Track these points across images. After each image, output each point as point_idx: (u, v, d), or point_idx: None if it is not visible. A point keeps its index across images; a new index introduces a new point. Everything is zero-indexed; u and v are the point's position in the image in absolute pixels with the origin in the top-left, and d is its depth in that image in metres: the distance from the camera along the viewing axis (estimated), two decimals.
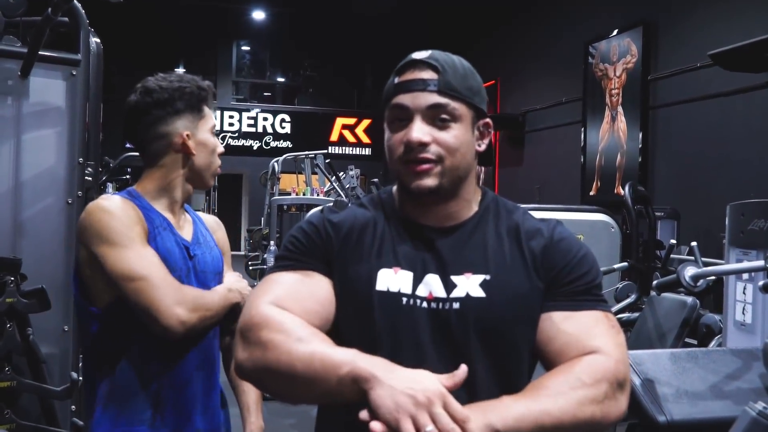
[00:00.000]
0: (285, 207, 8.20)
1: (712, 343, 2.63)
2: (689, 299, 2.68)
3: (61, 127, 2.82)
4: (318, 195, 8.72)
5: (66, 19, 2.91)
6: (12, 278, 2.57)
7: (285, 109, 17.20)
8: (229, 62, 17.16)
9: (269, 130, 16.91)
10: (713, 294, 3.50)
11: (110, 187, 11.04)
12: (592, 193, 9.47)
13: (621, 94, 8.94)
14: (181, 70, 17.17)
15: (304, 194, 9.04)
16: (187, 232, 1.81)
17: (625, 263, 3.20)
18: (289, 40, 16.57)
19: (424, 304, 1.27)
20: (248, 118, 16.86)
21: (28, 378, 2.62)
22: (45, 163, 2.80)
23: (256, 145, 16.80)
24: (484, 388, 1.26)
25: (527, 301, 1.30)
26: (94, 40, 3.20)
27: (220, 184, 12.82)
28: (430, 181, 1.28)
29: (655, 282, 2.26)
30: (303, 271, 1.31)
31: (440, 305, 1.27)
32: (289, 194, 9.51)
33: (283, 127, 16.96)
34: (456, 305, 1.26)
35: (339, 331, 1.30)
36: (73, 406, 2.80)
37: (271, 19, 16.45)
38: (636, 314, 3.00)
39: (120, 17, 14.28)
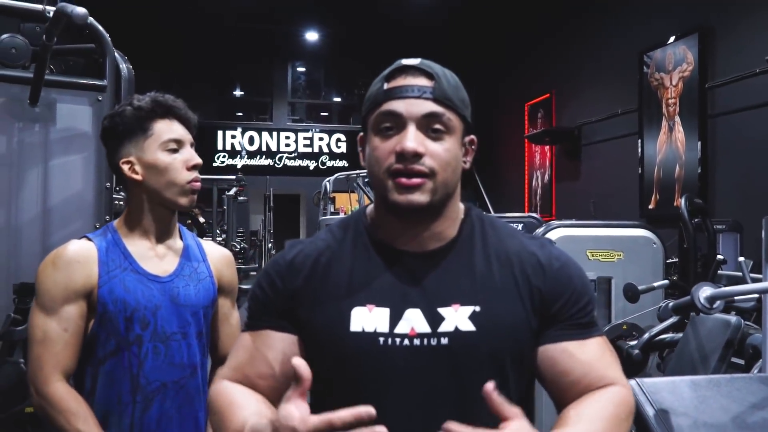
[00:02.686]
0: None
1: (757, 365, 2.47)
2: (733, 318, 2.53)
3: (88, 152, 2.84)
4: None
5: (92, 45, 2.95)
6: None
7: (340, 128, 17.29)
8: (285, 83, 17.35)
9: (325, 149, 17.01)
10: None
11: None
12: (650, 207, 9.20)
13: (678, 104, 8.67)
14: (238, 93, 17.49)
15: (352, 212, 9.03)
16: (168, 263, 1.77)
17: (666, 281, 3.06)
18: (342, 60, 16.68)
19: (405, 342, 1.18)
20: (304, 138, 17.00)
21: None
22: (73, 189, 2.83)
23: (312, 165, 16.91)
24: (475, 422, 1.18)
25: (519, 333, 1.22)
26: (125, 66, 3.24)
27: (277, 205, 12.90)
28: (420, 197, 1.19)
29: (670, 303, 2.13)
30: (259, 331, 1.27)
31: (425, 341, 1.19)
32: (339, 214, 9.52)
33: (338, 147, 17.04)
34: (444, 340, 1.18)
35: (319, 377, 1.20)
36: None
37: (324, 39, 16.60)
38: (680, 334, 2.85)
39: (177, 43, 14.62)
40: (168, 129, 1.73)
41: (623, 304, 3.04)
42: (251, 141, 16.61)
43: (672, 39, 8.74)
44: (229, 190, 9.24)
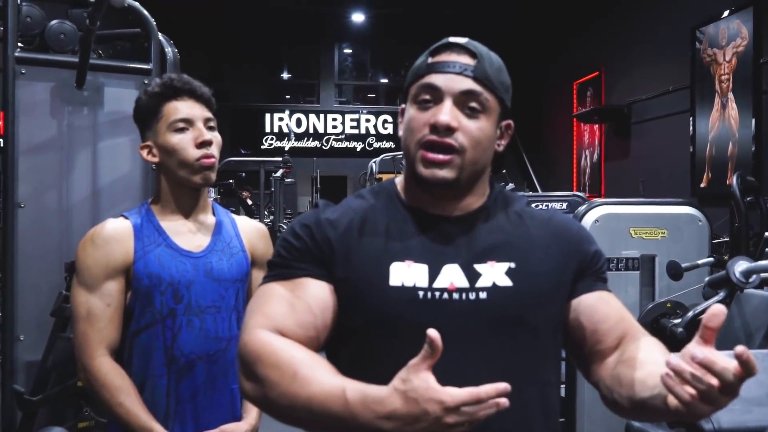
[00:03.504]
0: None
1: None
2: None
3: (135, 134, 2.90)
4: None
5: (138, 29, 3.02)
6: None
7: (387, 109, 17.29)
8: (331, 65, 17.41)
9: (372, 131, 17.05)
10: None
11: (212, 191, 11.43)
12: (702, 185, 9.01)
13: (731, 80, 8.46)
14: (286, 76, 17.57)
15: None
16: (201, 239, 1.81)
17: (711, 259, 3.01)
18: (389, 41, 16.65)
19: (445, 295, 1.21)
20: (351, 120, 17.05)
21: None
22: (121, 170, 2.91)
23: (359, 146, 16.97)
24: (515, 381, 1.15)
25: (553, 288, 1.27)
26: (170, 50, 3.30)
27: (324, 186, 13.00)
28: (447, 173, 1.22)
29: (706, 279, 2.10)
30: (295, 279, 1.23)
31: (464, 295, 1.21)
32: None
33: (385, 128, 17.05)
34: (483, 295, 1.21)
35: (353, 332, 1.24)
36: None
37: (370, 20, 16.58)
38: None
39: (223, 27, 14.77)
40: (175, 109, 1.76)
41: (667, 282, 3.00)
42: (299, 123, 16.73)
43: (726, 13, 8.51)
44: (275, 172, 9.34)
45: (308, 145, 16.65)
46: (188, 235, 1.80)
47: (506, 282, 1.22)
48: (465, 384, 1.13)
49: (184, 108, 1.75)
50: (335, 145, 16.87)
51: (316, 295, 1.22)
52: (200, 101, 1.78)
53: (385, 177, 10.90)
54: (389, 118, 17.10)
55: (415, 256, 1.23)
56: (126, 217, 1.81)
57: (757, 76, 7.96)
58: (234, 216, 1.95)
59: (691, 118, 9.24)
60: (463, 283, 1.22)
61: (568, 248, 1.30)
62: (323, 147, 16.73)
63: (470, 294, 1.21)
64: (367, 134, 17.04)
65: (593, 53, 12.06)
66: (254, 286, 1.90)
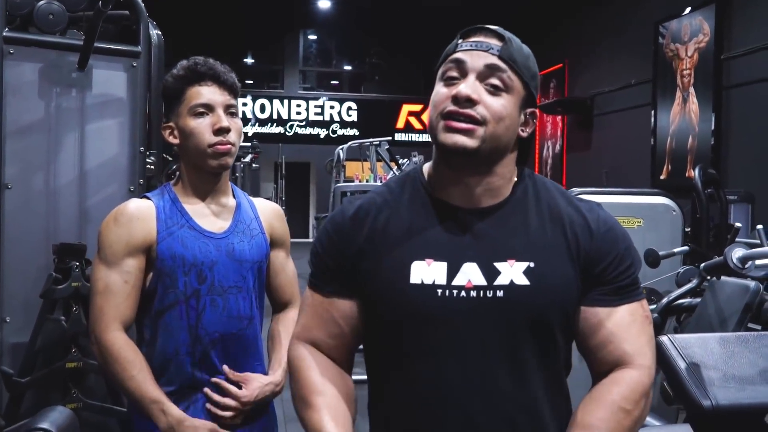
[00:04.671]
0: (348, 194, 8.27)
1: None
2: (752, 284, 2.59)
3: (123, 117, 2.91)
4: (381, 182, 8.76)
5: (126, 12, 3.00)
6: (77, 263, 2.67)
7: (351, 96, 17.28)
8: (296, 51, 17.33)
9: (336, 118, 17.03)
10: None
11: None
12: (662, 177, 9.23)
13: (693, 75, 8.67)
14: (249, 61, 17.44)
15: (367, 181, 9.09)
16: (223, 221, 1.84)
17: (686, 247, 3.12)
18: (354, 28, 16.62)
19: (462, 293, 1.24)
20: (315, 106, 17.01)
21: (94, 359, 2.72)
22: (108, 153, 2.89)
23: (323, 133, 16.94)
24: (527, 378, 1.28)
25: (569, 289, 1.28)
26: (155, 32, 3.29)
27: (288, 173, 12.97)
28: (468, 141, 1.23)
29: (702, 264, 2.19)
30: (326, 295, 1.35)
31: (481, 293, 1.24)
32: (353, 182, 9.58)
33: (349, 115, 17.05)
34: (500, 293, 1.24)
35: (379, 329, 1.32)
36: None
37: (336, 7, 16.53)
38: (698, 299, 2.92)
39: (188, 10, 14.58)
40: (197, 94, 1.77)
41: (642, 270, 3.10)
42: (262, 109, 16.63)
43: (688, 10, 8.71)
44: (243, 157, 9.29)
45: (272, 131, 16.57)
46: (210, 217, 1.82)
47: (524, 281, 1.24)
48: (479, 379, 1.25)
49: (206, 93, 1.76)
50: (299, 132, 16.81)
51: (343, 311, 1.34)
52: (223, 87, 1.79)
53: (351, 164, 10.93)
54: (353, 105, 17.09)
55: (436, 254, 1.27)
56: (149, 198, 1.82)
57: (718, 72, 8.18)
58: (252, 198, 1.97)
59: (652, 112, 9.45)
60: (481, 281, 1.25)
61: (587, 252, 1.29)
62: (287, 133, 16.66)
63: (488, 292, 1.24)
64: (331, 121, 17.02)
65: (557, 45, 12.22)
66: (276, 264, 1.94)
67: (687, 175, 8.61)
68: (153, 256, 1.76)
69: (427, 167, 1.38)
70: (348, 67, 18.25)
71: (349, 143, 9.99)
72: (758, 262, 2.50)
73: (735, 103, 8.04)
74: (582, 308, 1.29)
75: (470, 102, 1.23)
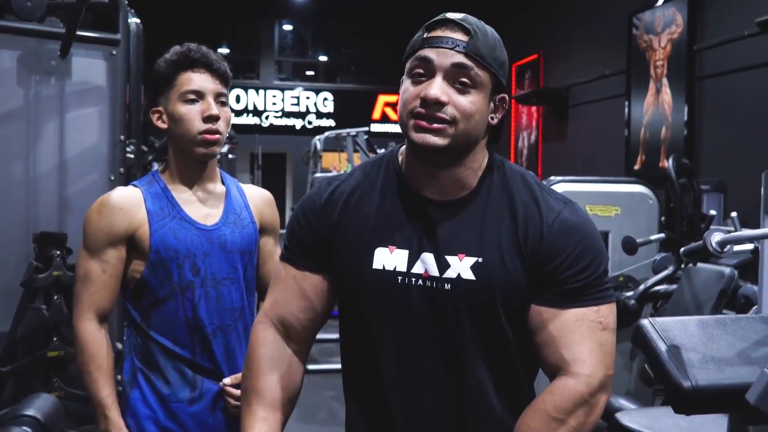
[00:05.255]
0: None
1: (750, 313, 2.60)
2: (727, 270, 2.65)
3: (103, 105, 2.90)
4: None
5: (105, 0, 2.99)
6: (58, 252, 2.66)
7: (327, 87, 17.22)
8: (272, 42, 17.23)
9: (312, 108, 16.97)
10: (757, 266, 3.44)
11: (156, 166, 11.24)
12: (636, 167, 9.33)
13: (666, 66, 8.76)
14: (224, 51, 17.30)
15: (344, 172, 9.09)
16: (211, 208, 1.84)
17: (662, 235, 3.17)
18: (330, 19, 16.56)
19: (420, 282, 1.31)
20: (291, 97, 16.93)
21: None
22: (88, 141, 2.89)
23: (299, 124, 16.88)
24: (473, 369, 1.32)
25: (516, 286, 1.29)
26: (134, 21, 3.28)
27: (264, 163, 12.90)
28: (438, 140, 1.25)
29: (682, 249, 2.24)
30: (299, 270, 1.39)
31: (434, 284, 1.30)
32: (331, 172, 9.57)
33: (325, 106, 17.00)
34: (447, 286, 1.30)
35: (347, 309, 1.40)
36: (119, 376, 2.90)
37: None
38: (674, 286, 2.97)
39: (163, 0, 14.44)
40: (188, 80, 1.77)
41: (620, 257, 3.16)
42: (237, 99, 16.53)
43: (661, 1, 8.79)
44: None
45: (247, 122, 16.48)
46: (198, 204, 1.81)
47: (470, 276, 1.28)
48: (429, 366, 1.32)
49: (197, 80, 1.76)
50: (274, 122, 16.73)
51: (314, 286, 1.39)
52: (215, 75, 1.78)
53: (327, 155, 10.91)
54: (330, 96, 17.04)
55: (399, 241, 1.33)
56: (136, 186, 1.82)
57: (691, 63, 8.27)
58: (241, 184, 1.97)
59: (626, 102, 9.53)
60: (435, 272, 1.30)
61: (534, 252, 1.29)
62: (262, 124, 16.58)
63: (438, 283, 1.30)
64: (307, 112, 16.95)
65: (532, 36, 12.28)
66: (264, 252, 1.94)
67: (660, 165, 8.72)
68: (144, 247, 1.76)
69: (403, 151, 1.40)
70: (324, 58, 18.18)
71: (326, 133, 9.96)
72: (736, 248, 2.56)
73: (708, 94, 8.14)
74: (532, 306, 1.31)
75: (439, 104, 1.25)
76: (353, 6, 15.17)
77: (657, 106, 8.94)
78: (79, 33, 2.72)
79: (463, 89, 1.26)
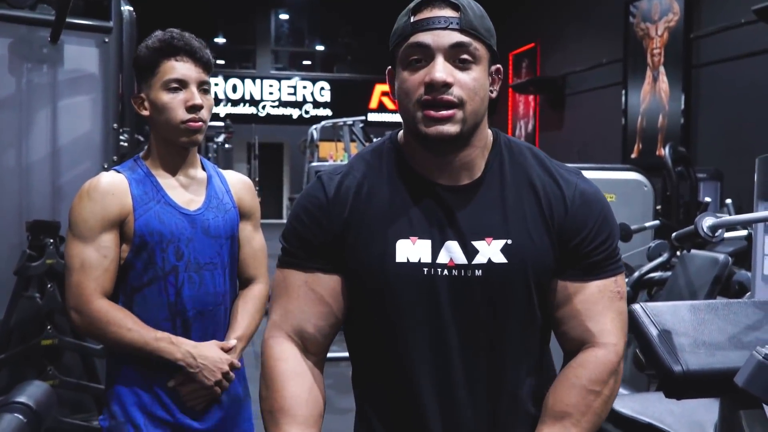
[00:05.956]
0: None
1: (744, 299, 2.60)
2: (721, 256, 2.65)
3: (96, 93, 2.88)
4: None
5: None
6: (51, 240, 2.65)
7: (324, 76, 17.20)
8: (268, 31, 17.19)
9: (309, 98, 16.94)
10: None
11: None
12: (633, 156, 9.34)
13: (663, 54, 8.75)
14: (221, 41, 17.24)
15: (341, 161, 9.08)
16: (194, 194, 1.83)
17: (657, 222, 3.17)
18: (326, 8, 16.51)
19: (446, 272, 1.24)
20: (288, 86, 16.91)
21: (69, 336, 2.72)
22: (81, 129, 2.87)
23: (296, 113, 16.86)
24: (508, 359, 1.28)
25: (546, 265, 1.27)
26: (127, 8, 3.25)
27: (262, 153, 12.88)
28: (451, 128, 1.20)
29: (673, 234, 2.24)
30: (308, 273, 1.29)
31: (462, 272, 1.24)
32: (327, 162, 9.56)
33: (322, 95, 16.98)
34: (478, 272, 1.23)
35: (364, 309, 1.29)
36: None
37: None
38: (668, 273, 2.97)
39: None
40: (171, 68, 1.76)
41: None
42: (234, 89, 16.50)
43: None
44: (216, 137, 9.22)
45: (244, 111, 16.46)
46: (180, 189, 1.81)
47: (501, 259, 1.23)
48: (460, 359, 1.25)
49: (180, 68, 1.75)
50: (271, 112, 16.71)
51: (329, 287, 1.29)
52: (198, 63, 1.77)
53: (324, 145, 10.90)
54: (326, 85, 17.02)
55: (419, 231, 1.25)
56: (119, 171, 1.81)
57: (688, 51, 8.27)
58: (222, 171, 1.96)
59: (623, 91, 9.53)
60: (462, 260, 1.24)
61: (561, 226, 1.26)
62: (259, 114, 16.55)
63: (467, 271, 1.23)
64: (304, 101, 16.93)
65: (529, 25, 12.26)
66: (243, 236, 1.93)
67: (657, 153, 8.72)
68: (129, 231, 1.75)
69: (400, 137, 1.34)
70: (320, 47, 18.15)
71: (323, 123, 9.96)
72: (727, 235, 2.55)
73: (704, 82, 8.14)
74: (556, 281, 1.29)
75: (446, 86, 1.19)
76: None
77: (654, 94, 8.93)
78: (70, 20, 2.69)
79: (464, 66, 1.21)
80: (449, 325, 1.25)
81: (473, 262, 1.23)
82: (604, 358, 1.26)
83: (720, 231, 1.77)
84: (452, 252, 1.24)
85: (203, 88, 1.79)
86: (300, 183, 11.65)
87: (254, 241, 1.96)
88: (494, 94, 1.29)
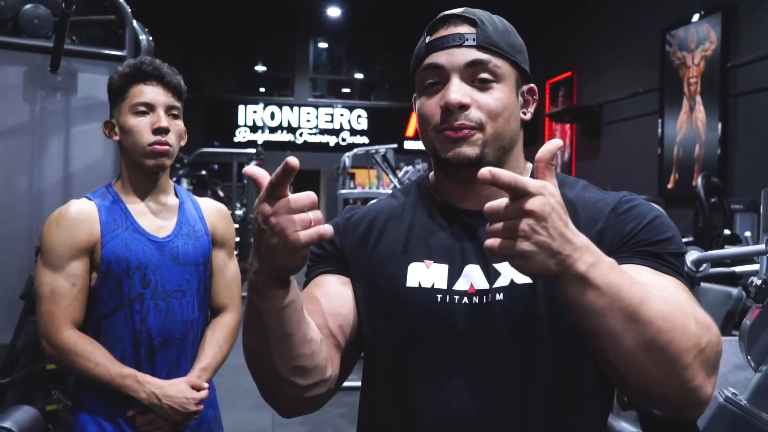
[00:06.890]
0: (351, 201, 8.27)
1: None
2: (734, 290, 2.56)
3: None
4: (384, 189, 8.74)
5: (113, 16, 3.03)
6: None
7: (361, 104, 17.31)
8: (306, 59, 17.39)
9: (346, 125, 17.06)
10: None
11: (184, 182, 11.38)
12: (669, 186, 9.17)
13: (699, 83, 8.61)
14: (260, 69, 17.48)
15: (369, 188, 9.09)
16: (164, 220, 1.84)
17: None
18: (364, 36, 16.67)
19: (465, 300, 1.11)
20: (325, 114, 17.04)
21: None
22: (93, 156, 2.92)
23: (332, 141, 16.97)
24: (536, 393, 1.09)
25: None
26: (144, 37, 3.31)
27: (298, 180, 12.96)
28: (470, 150, 1.10)
29: None
30: (313, 279, 1.20)
31: (483, 298, 1.11)
32: (356, 189, 9.59)
33: (359, 123, 17.08)
34: (499, 296, 1.10)
35: (369, 335, 1.18)
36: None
37: (345, 15, 16.59)
38: None
39: (198, 19, 14.68)
40: (139, 92, 1.78)
41: None
42: (272, 116, 16.69)
43: (695, 17, 8.67)
44: (248, 164, 9.32)
45: (282, 139, 16.63)
46: (150, 216, 1.82)
47: (525, 279, 1.09)
48: (484, 390, 1.09)
49: (148, 92, 1.77)
50: (309, 139, 16.85)
51: (335, 283, 1.19)
52: (167, 88, 1.79)
53: (356, 172, 10.93)
54: (363, 113, 17.12)
55: (436, 255, 1.15)
56: (90, 199, 1.82)
57: (725, 80, 8.12)
58: (196, 198, 1.97)
59: (659, 120, 9.39)
60: (484, 284, 1.12)
61: (604, 229, 1.11)
62: (296, 141, 16.71)
63: (487, 296, 1.11)
64: (341, 129, 17.05)
65: (566, 53, 12.20)
66: (215, 265, 1.92)
67: (694, 183, 8.55)
68: (97, 259, 1.76)
69: (431, 174, 1.26)
70: (359, 75, 18.29)
71: (355, 150, 9.99)
72: (742, 268, 2.47)
73: (742, 112, 7.98)
74: None
75: (462, 108, 1.09)
76: (386, 23, 15.24)
77: (690, 123, 8.79)
78: (84, 49, 2.77)
79: (484, 86, 1.11)
80: (467, 357, 1.11)
81: (494, 286, 1.11)
82: (711, 323, 0.96)
83: (704, 266, 1.71)
84: (472, 277, 1.12)
85: (172, 113, 1.80)
86: (335, 210, 11.68)
87: (227, 269, 1.95)
88: (528, 116, 1.19)
